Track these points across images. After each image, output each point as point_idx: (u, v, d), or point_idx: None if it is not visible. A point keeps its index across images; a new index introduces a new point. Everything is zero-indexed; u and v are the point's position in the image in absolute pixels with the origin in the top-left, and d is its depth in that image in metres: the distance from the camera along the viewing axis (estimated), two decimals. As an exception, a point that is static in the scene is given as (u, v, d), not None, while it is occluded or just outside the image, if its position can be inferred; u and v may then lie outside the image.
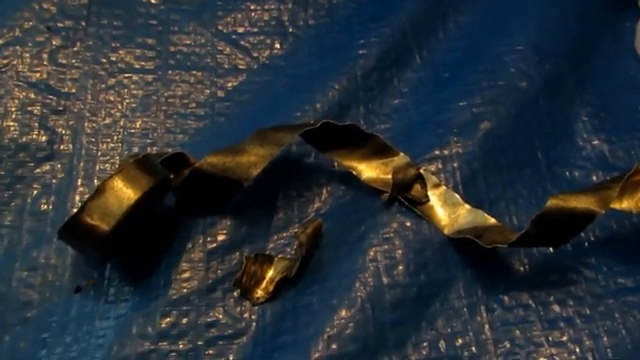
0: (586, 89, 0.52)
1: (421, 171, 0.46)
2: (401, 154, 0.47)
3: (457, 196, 0.46)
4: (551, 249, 0.44)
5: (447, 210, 0.45)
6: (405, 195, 0.46)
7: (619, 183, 0.40)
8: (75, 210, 0.46)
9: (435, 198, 0.46)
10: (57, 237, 0.41)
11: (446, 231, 0.44)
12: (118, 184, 0.41)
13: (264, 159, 0.44)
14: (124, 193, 0.40)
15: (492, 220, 0.44)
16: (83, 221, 0.40)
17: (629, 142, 0.46)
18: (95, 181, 0.48)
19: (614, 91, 0.52)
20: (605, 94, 0.52)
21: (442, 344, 0.40)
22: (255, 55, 0.55)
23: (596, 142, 0.49)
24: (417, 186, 0.46)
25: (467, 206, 0.45)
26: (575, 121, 0.50)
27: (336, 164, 0.48)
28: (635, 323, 0.41)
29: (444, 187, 0.46)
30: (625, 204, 0.42)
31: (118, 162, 0.48)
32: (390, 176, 0.46)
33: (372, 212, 0.46)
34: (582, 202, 0.40)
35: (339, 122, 0.46)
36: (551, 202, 0.40)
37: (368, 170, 0.47)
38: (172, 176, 0.44)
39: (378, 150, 0.47)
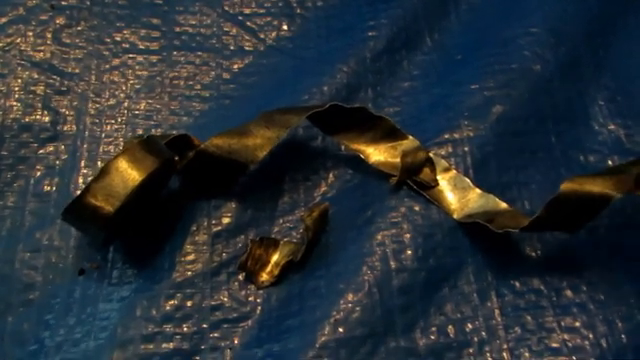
0: (603, 72, 0.51)
1: (431, 155, 0.45)
2: (410, 137, 0.46)
3: (467, 180, 0.45)
4: (564, 235, 0.43)
5: (457, 194, 0.44)
6: (414, 179, 0.45)
7: (637, 166, 0.39)
8: (79, 192, 0.45)
9: (445, 182, 0.45)
10: (61, 218, 0.41)
11: (455, 215, 0.43)
12: (123, 165, 0.40)
13: (270, 141, 0.44)
14: (129, 174, 0.40)
15: (504, 204, 0.43)
16: (87, 202, 0.40)
17: (646, 126, 0.45)
18: (99, 163, 0.47)
19: (632, 74, 0.51)
20: (622, 77, 0.50)
21: (451, 329, 0.40)
22: (262, 36, 0.54)
23: (612, 127, 0.48)
24: (426, 170, 0.45)
25: (478, 190, 0.44)
26: (591, 105, 0.49)
27: (343, 147, 0.47)
28: (650, 309, 0.40)
29: (454, 171, 0.45)
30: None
31: (122, 144, 0.48)
32: (398, 160, 0.45)
33: (380, 196, 0.45)
34: (598, 186, 0.38)
35: (347, 104, 0.45)
36: (566, 185, 0.39)
37: (376, 153, 0.46)
38: (177, 158, 0.44)
39: (387, 133, 0.47)
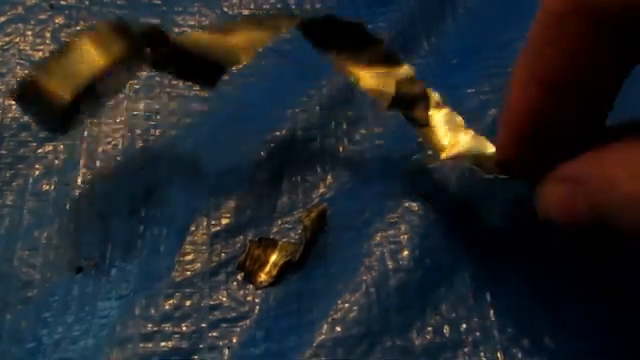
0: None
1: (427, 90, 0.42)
2: (406, 66, 0.43)
3: (460, 118, 0.42)
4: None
5: (448, 134, 0.41)
6: (405, 112, 0.42)
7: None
8: (78, 192, 0.46)
9: (437, 119, 0.42)
10: (14, 99, 0.39)
11: (444, 155, 0.41)
12: (87, 47, 0.37)
13: (257, 44, 0.41)
14: (92, 58, 0.37)
15: (493, 148, 0.40)
16: (42, 84, 0.37)
17: (638, 130, 0.45)
18: (97, 162, 0.47)
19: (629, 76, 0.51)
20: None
21: (447, 329, 0.40)
22: (260, 38, 0.55)
23: (605, 129, 0.49)
24: (420, 105, 0.42)
25: (471, 131, 0.41)
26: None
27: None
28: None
29: (447, 108, 0.42)
30: None
31: (120, 143, 0.48)
32: (389, 89, 0.42)
33: (377, 197, 0.45)
34: None
35: (344, 18, 0.43)
36: None
37: (368, 78, 0.43)
38: (148, 50, 0.40)
39: (382, 57, 0.43)
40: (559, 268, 0.43)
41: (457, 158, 0.41)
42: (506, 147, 0.36)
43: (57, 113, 0.38)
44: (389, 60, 0.44)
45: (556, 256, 0.43)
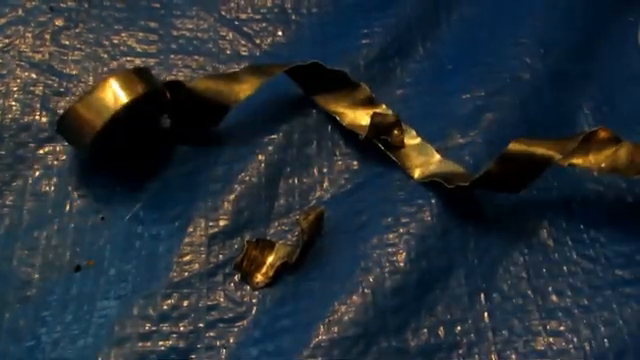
0: (589, 83, 0.52)
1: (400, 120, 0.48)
2: (384, 106, 0.50)
3: (432, 147, 0.48)
4: (551, 243, 0.45)
5: (421, 158, 0.47)
6: (382, 139, 0.48)
7: (580, 136, 0.42)
8: (77, 192, 0.46)
9: (410, 147, 0.48)
10: (55, 129, 0.45)
11: (417, 176, 0.46)
12: (115, 85, 0.43)
13: (253, 86, 0.47)
14: (119, 94, 0.43)
15: (461, 169, 0.46)
16: (79, 113, 0.43)
17: (630, 136, 0.46)
18: (96, 164, 0.48)
19: (616, 85, 0.52)
20: (607, 88, 0.52)
21: (441, 330, 0.41)
22: (257, 42, 0.55)
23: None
24: (395, 132, 0.48)
25: (439, 156, 0.47)
26: (578, 114, 0.51)
27: (316, 111, 0.50)
28: (632, 314, 0.41)
29: (420, 139, 0.48)
30: (588, 162, 0.44)
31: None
32: (366, 122, 0.48)
33: (374, 201, 0.46)
34: (542, 147, 0.42)
35: (329, 66, 0.49)
36: (513, 144, 0.42)
37: (351, 116, 0.50)
38: (168, 95, 0.47)
39: (363, 100, 0.50)
40: (549, 274, 0.44)
41: (428, 177, 0.46)
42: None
43: (91, 140, 0.43)
44: (370, 102, 0.50)
45: (548, 261, 0.44)
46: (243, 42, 0.55)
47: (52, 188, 0.46)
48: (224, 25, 0.56)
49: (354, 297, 0.40)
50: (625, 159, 0.43)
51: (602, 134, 0.43)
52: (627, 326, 0.41)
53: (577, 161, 0.44)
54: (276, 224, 0.46)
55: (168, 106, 0.47)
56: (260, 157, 0.48)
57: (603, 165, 0.43)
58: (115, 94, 0.43)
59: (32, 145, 0.48)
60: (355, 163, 0.48)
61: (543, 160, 0.42)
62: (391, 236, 0.43)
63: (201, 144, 0.48)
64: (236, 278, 0.43)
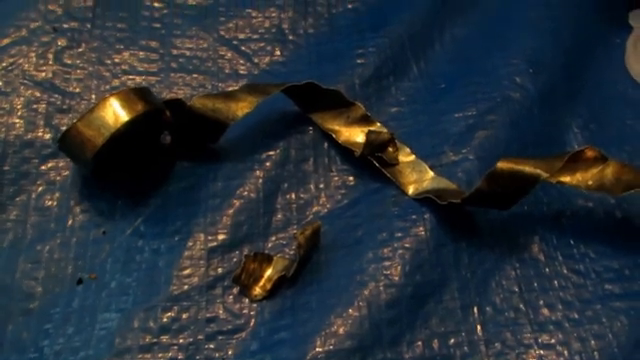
0: (577, 102, 0.54)
1: (394, 137, 0.50)
2: (379, 124, 0.51)
3: (425, 165, 0.49)
4: (542, 257, 0.46)
5: (415, 175, 0.49)
6: (377, 156, 0.49)
7: (566, 155, 0.44)
8: (79, 207, 0.47)
9: (405, 164, 0.49)
10: (57, 146, 0.46)
11: (410, 192, 0.48)
12: (115, 103, 0.44)
13: (250, 105, 0.48)
14: (120, 112, 0.44)
15: (454, 186, 0.47)
16: (80, 131, 0.44)
17: (618, 154, 0.47)
18: (98, 179, 0.49)
19: (604, 104, 0.54)
20: (595, 107, 0.54)
21: (435, 343, 0.42)
22: (255, 61, 0.57)
23: (585, 153, 0.51)
24: (389, 149, 0.50)
25: (432, 173, 0.49)
26: (566, 132, 0.52)
27: (312, 129, 0.52)
28: (622, 328, 0.42)
29: (414, 156, 0.50)
30: (576, 180, 0.45)
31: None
32: (361, 139, 0.49)
33: (369, 216, 0.47)
34: (530, 166, 0.43)
35: (324, 86, 0.50)
36: (502, 163, 0.43)
37: (346, 134, 0.51)
38: (168, 113, 0.48)
39: (359, 119, 0.52)
40: (541, 287, 0.44)
41: (422, 194, 0.47)
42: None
43: (92, 156, 0.44)
44: (365, 121, 0.52)
45: (540, 275, 0.45)
46: (242, 61, 0.56)
47: (55, 203, 0.47)
48: (223, 44, 0.57)
49: (350, 310, 0.41)
50: (612, 177, 0.44)
51: (589, 153, 0.44)
52: (616, 339, 0.42)
53: (565, 179, 0.45)
54: (274, 238, 0.47)
55: (168, 123, 0.48)
56: (258, 173, 0.49)
57: (590, 183, 0.44)
58: (115, 112, 0.44)
59: (35, 161, 0.49)
60: (351, 179, 0.49)
61: (531, 178, 0.43)
62: (386, 250, 0.44)
63: (201, 160, 0.50)
64: (235, 291, 0.44)
